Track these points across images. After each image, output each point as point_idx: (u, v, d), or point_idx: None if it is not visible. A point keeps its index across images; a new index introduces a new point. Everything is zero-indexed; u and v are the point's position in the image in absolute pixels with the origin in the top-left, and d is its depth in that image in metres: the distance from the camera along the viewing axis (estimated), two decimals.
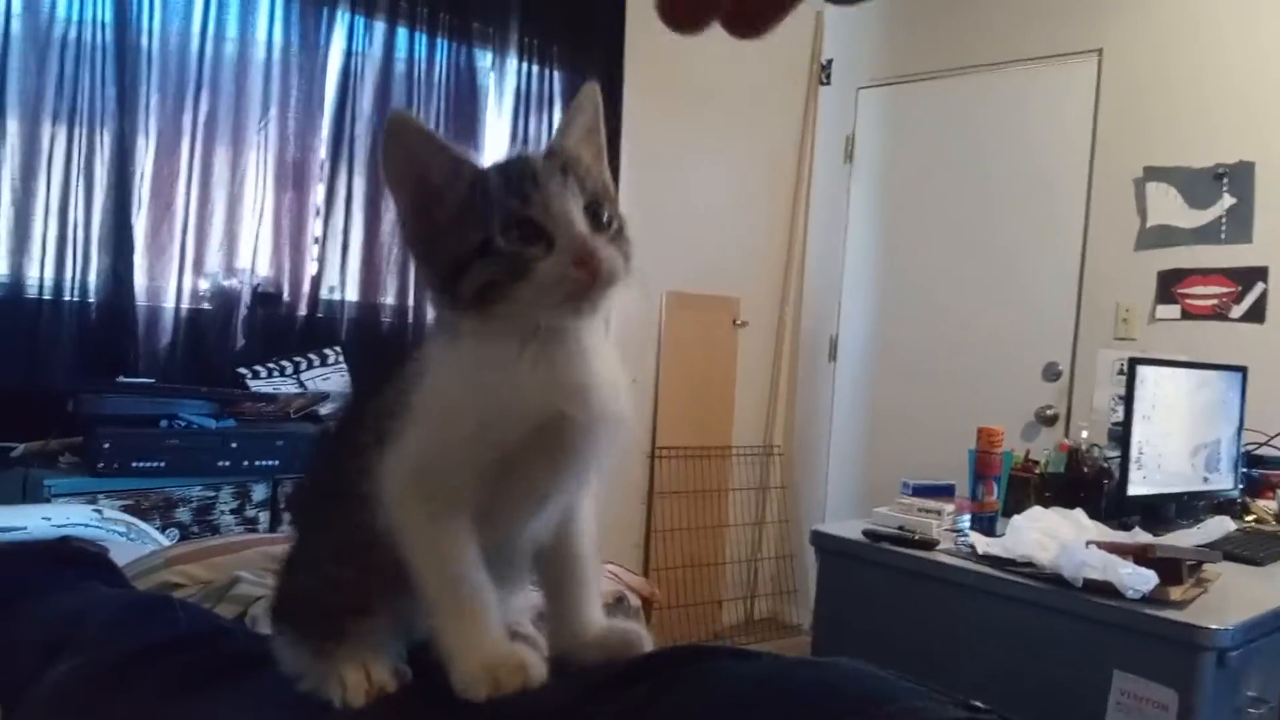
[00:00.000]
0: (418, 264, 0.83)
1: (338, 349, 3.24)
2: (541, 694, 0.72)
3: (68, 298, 2.81)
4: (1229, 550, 2.30)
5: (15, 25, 2.69)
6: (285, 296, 3.25)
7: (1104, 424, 3.16)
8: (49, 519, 1.99)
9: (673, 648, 0.78)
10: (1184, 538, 2.36)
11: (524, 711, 0.72)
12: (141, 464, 2.48)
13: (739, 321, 4.64)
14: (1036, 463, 2.85)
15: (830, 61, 4.85)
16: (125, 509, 2.34)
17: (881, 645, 2.27)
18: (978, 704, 0.64)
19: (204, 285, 3.10)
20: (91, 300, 2.85)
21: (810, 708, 0.65)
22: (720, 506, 4.61)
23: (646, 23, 4.03)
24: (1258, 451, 3.05)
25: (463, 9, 3.59)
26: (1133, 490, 2.57)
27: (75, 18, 2.76)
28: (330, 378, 3.16)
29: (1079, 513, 2.35)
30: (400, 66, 3.48)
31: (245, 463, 2.63)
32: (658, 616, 3.90)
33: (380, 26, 3.41)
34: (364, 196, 3.39)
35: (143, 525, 2.18)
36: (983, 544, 2.19)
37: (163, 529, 2.38)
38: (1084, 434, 2.83)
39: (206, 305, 3.09)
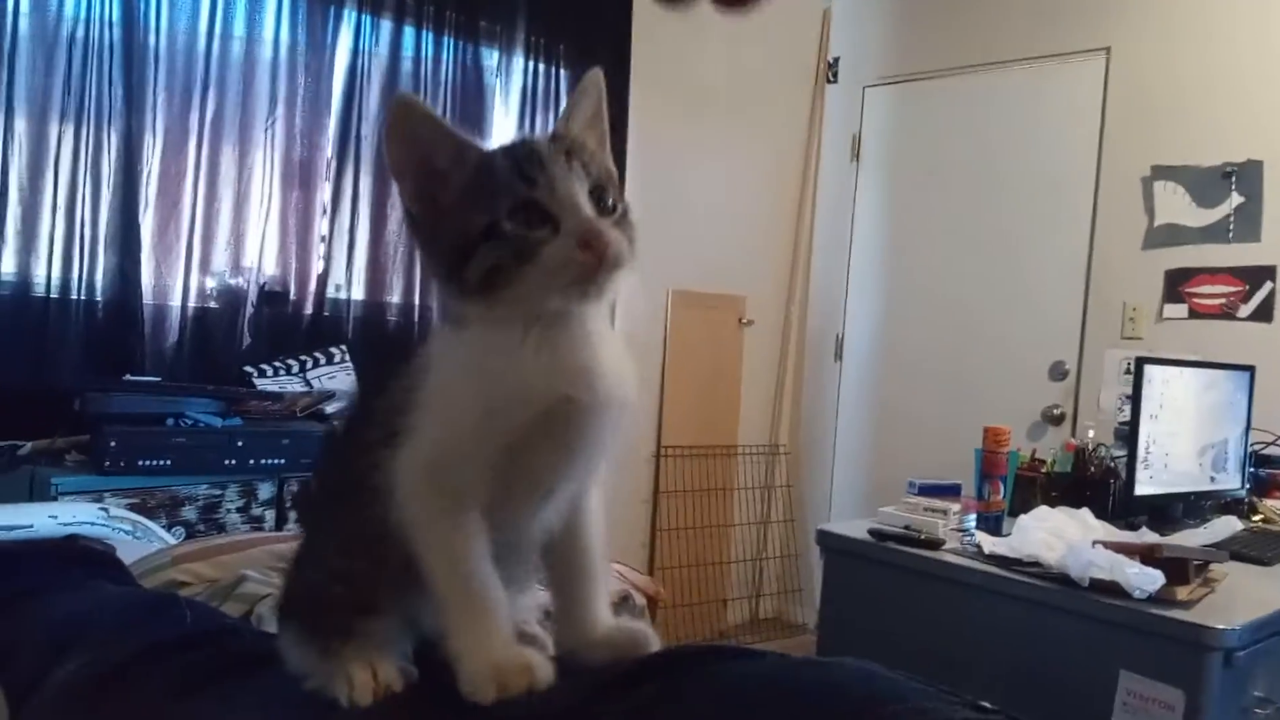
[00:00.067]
0: (422, 250, 0.83)
1: (344, 348, 3.24)
2: (549, 694, 0.73)
3: (74, 296, 2.81)
4: (1236, 550, 2.29)
5: (23, 24, 2.69)
6: (292, 295, 3.25)
7: (1111, 423, 3.16)
8: (56, 517, 1.99)
9: (679, 647, 0.78)
10: (1191, 537, 2.36)
11: (531, 711, 0.72)
12: (148, 462, 2.48)
13: (744, 320, 4.64)
14: (1043, 462, 2.84)
15: (837, 59, 4.84)
16: (131, 507, 2.34)
17: (887, 645, 2.27)
18: (985, 704, 0.64)
19: (210, 284, 3.10)
20: (98, 299, 2.86)
21: (817, 708, 0.65)
22: (725, 505, 4.60)
23: (653, 21, 4.04)
24: (1265, 451, 3.04)
25: (470, 8, 3.59)
26: (1140, 490, 2.56)
27: (83, 16, 2.76)
28: (336, 376, 3.16)
29: (1085, 512, 2.34)
30: (407, 65, 3.48)
31: (251, 461, 2.63)
32: (663, 615, 3.91)
33: (387, 25, 3.41)
34: (371, 195, 3.39)
35: (149, 524, 2.18)
36: (989, 544, 2.19)
37: (169, 527, 2.38)
38: (1091, 433, 2.82)
39: (213, 304, 3.09)
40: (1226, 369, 2.90)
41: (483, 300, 0.74)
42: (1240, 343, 3.46)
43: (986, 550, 2.16)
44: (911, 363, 4.56)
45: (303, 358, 3.14)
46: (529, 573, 0.86)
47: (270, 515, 2.70)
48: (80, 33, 2.77)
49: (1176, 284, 3.71)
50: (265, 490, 2.69)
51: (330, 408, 2.89)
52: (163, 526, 2.28)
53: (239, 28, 3.09)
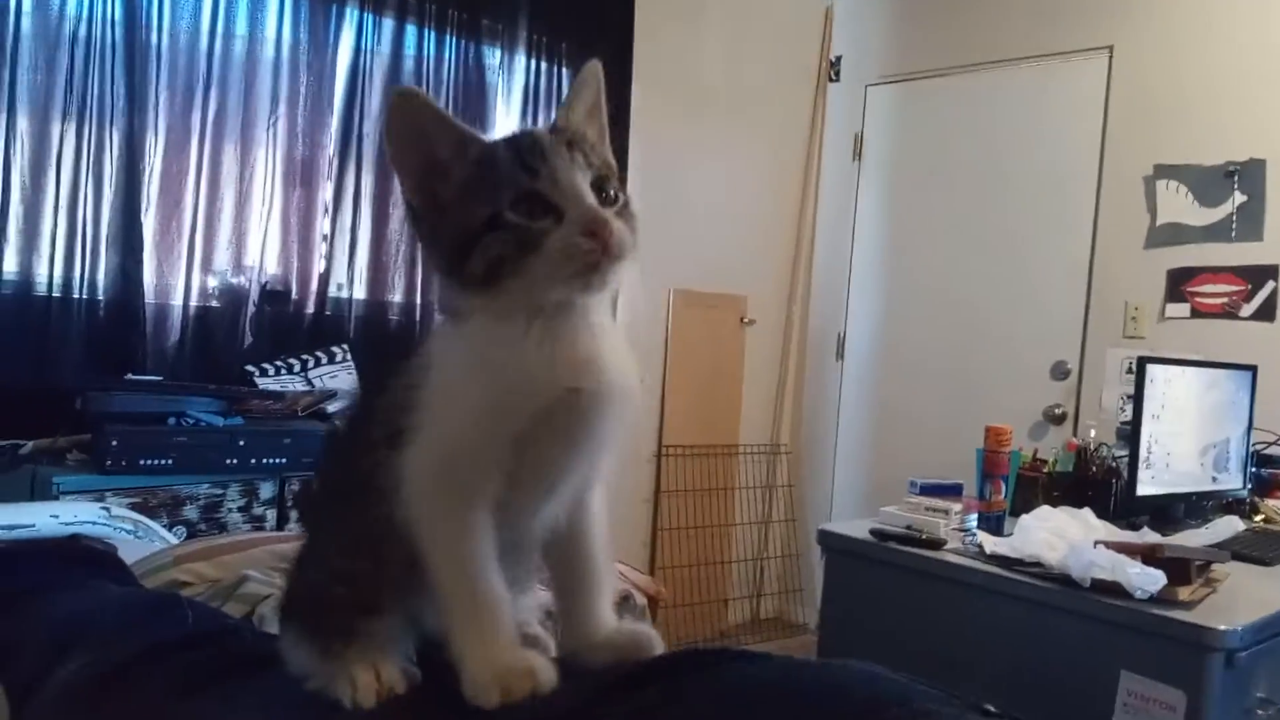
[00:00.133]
0: (424, 243, 0.83)
1: (345, 347, 3.24)
2: (552, 696, 0.73)
3: (76, 295, 2.81)
4: (1238, 550, 2.29)
5: (25, 22, 2.69)
6: (293, 294, 3.26)
7: (1112, 423, 3.16)
8: (57, 516, 1.99)
9: (683, 650, 0.78)
10: (1192, 538, 2.36)
11: (534, 715, 0.72)
12: (149, 461, 2.48)
13: (746, 320, 4.64)
14: (1044, 462, 2.84)
15: (839, 58, 4.84)
16: (133, 506, 2.34)
17: (888, 645, 2.27)
18: (990, 707, 0.64)
19: (212, 283, 3.10)
20: (100, 298, 2.86)
21: (821, 710, 0.65)
22: (726, 505, 4.60)
23: (655, 20, 4.04)
24: (1267, 451, 3.03)
25: (472, 6, 3.59)
26: (1141, 490, 2.56)
27: (85, 15, 2.77)
28: (338, 375, 3.16)
29: (1087, 512, 2.34)
30: (409, 64, 3.48)
31: (253, 460, 2.64)
32: (663, 615, 3.91)
33: (389, 24, 3.41)
34: (372, 194, 3.39)
35: (150, 523, 2.18)
36: (990, 543, 2.18)
37: (170, 526, 2.39)
38: (1092, 433, 2.82)
39: (215, 303, 3.10)
40: (1228, 369, 2.90)
41: (486, 292, 0.74)
42: (1242, 342, 3.46)
43: (988, 550, 2.16)
44: (913, 362, 4.56)
45: (304, 357, 3.14)
46: (531, 573, 0.86)
47: (272, 514, 2.70)
48: (82, 31, 2.77)
49: (1179, 283, 3.71)
50: (267, 489, 2.69)
51: (332, 407, 2.89)
52: (164, 526, 2.28)
53: (241, 26, 3.09)
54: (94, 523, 2.01)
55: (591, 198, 0.75)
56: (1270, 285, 3.50)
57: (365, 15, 3.34)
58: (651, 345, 4.20)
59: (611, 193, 0.77)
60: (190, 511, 2.55)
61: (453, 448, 0.75)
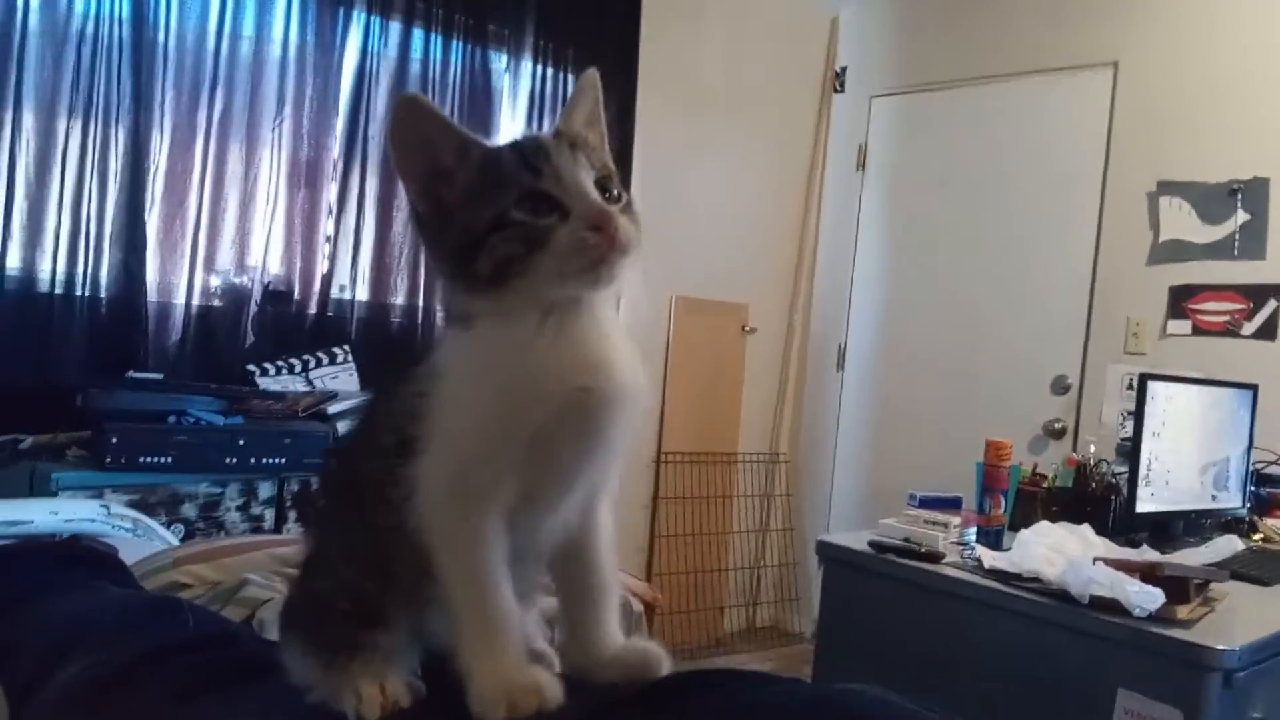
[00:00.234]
0: (429, 248, 0.83)
1: (347, 348, 3.24)
2: (558, 714, 0.72)
3: (79, 292, 2.82)
4: (1237, 569, 2.28)
5: (33, 20, 2.70)
6: (296, 295, 3.26)
7: (1112, 439, 3.15)
8: (56, 513, 2.00)
9: (690, 672, 0.77)
10: (1192, 556, 2.35)
11: None
12: (149, 459, 2.48)
13: (747, 328, 4.64)
14: (1044, 477, 2.84)
15: (844, 69, 4.85)
16: (132, 504, 2.35)
17: (885, 657, 2.27)
18: None
19: (215, 282, 3.11)
20: (103, 295, 2.86)
21: None
22: (724, 513, 4.60)
23: (661, 28, 4.04)
24: (1266, 470, 3.03)
25: (478, 11, 3.59)
26: (1141, 507, 2.56)
27: (92, 13, 2.78)
28: (339, 377, 3.16)
29: (1086, 528, 2.34)
30: (415, 67, 3.49)
31: (252, 460, 2.64)
32: (660, 622, 3.91)
33: (396, 27, 3.42)
34: (376, 196, 3.39)
35: (149, 521, 2.18)
36: (989, 558, 2.18)
37: (169, 525, 2.39)
38: (1092, 448, 2.82)
39: (217, 302, 3.10)
40: (1230, 387, 2.90)
41: (494, 293, 0.75)
42: (1244, 360, 3.45)
43: (986, 564, 2.16)
44: (913, 374, 4.55)
45: (306, 357, 3.15)
46: (537, 585, 0.86)
47: (270, 514, 2.70)
48: (89, 29, 2.78)
49: (1180, 300, 3.71)
50: (266, 489, 2.69)
51: (332, 408, 2.89)
52: (162, 524, 2.28)
53: (248, 27, 3.10)
54: (93, 520, 2.01)
55: (596, 194, 0.75)
56: (1272, 304, 3.50)
57: (372, 18, 3.35)
58: (652, 351, 4.20)
59: (614, 192, 0.78)
60: (189, 510, 2.55)
61: (466, 454, 0.74)
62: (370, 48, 3.35)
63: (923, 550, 2.27)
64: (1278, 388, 3.13)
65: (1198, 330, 3.67)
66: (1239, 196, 3.57)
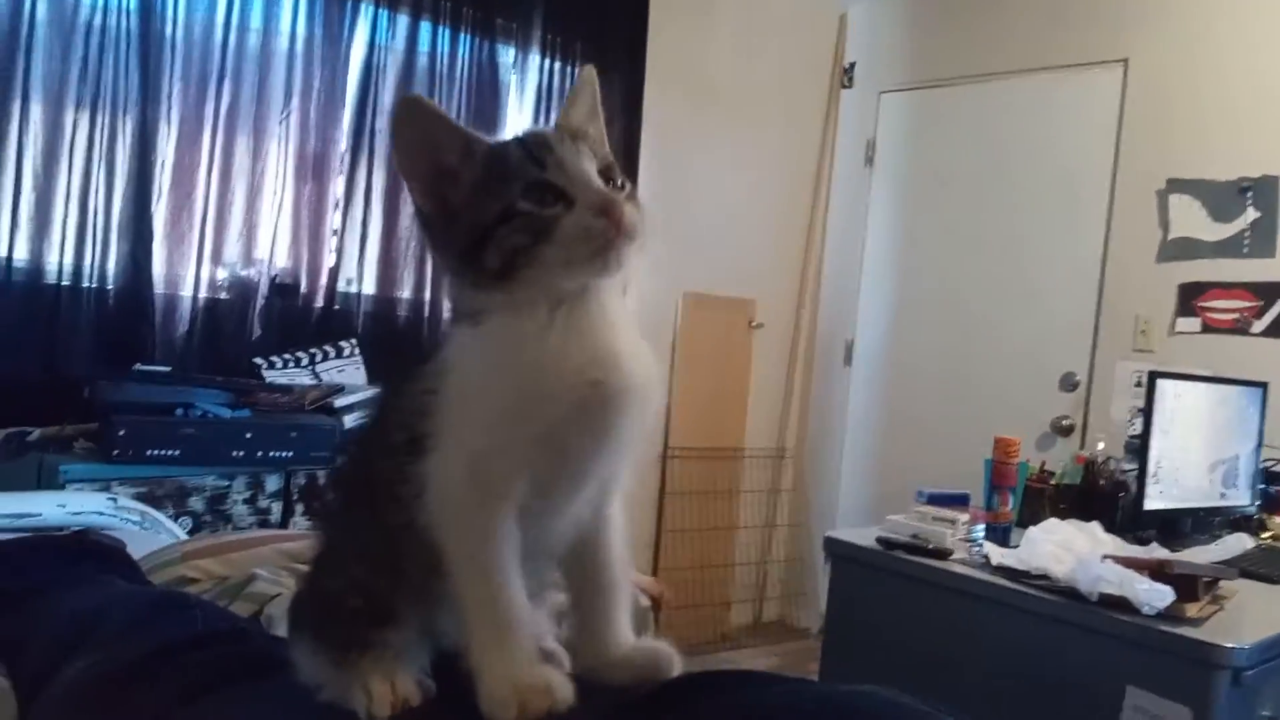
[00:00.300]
0: (435, 247, 0.83)
1: (353, 341, 3.24)
2: (568, 715, 0.72)
3: (86, 284, 2.82)
4: (1246, 567, 2.28)
5: (41, 10, 2.70)
6: (303, 288, 3.26)
7: (1121, 436, 3.14)
8: (64, 506, 2.00)
9: (700, 673, 0.76)
10: (1201, 554, 2.34)
11: None
12: (156, 452, 2.48)
13: (754, 323, 4.63)
14: (1052, 474, 2.83)
15: (853, 65, 4.83)
16: (139, 496, 2.34)
17: (892, 653, 2.26)
18: None
19: (222, 275, 3.10)
20: (110, 287, 2.86)
21: None
22: (731, 508, 4.60)
23: (668, 22, 4.03)
24: (1276, 468, 3.02)
25: (486, 5, 3.59)
26: (1149, 504, 2.55)
27: (100, 5, 2.77)
28: (346, 370, 3.16)
29: (1095, 526, 2.33)
30: (423, 61, 3.48)
31: (259, 453, 2.64)
32: (666, 617, 3.90)
33: (404, 20, 3.41)
34: (383, 190, 3.39)
35: (156, 514, 2.18)
36: (997, 555, 2.17)
37: (176, 517, 2.39)
38: (1100, 446, 2.81)
39: (224, 295, 3.10)
40: (1239, 385, 2.89)
41: (503, 286, 0.75)
42: (1253, 358, 3.44)
43: (994, 561, 2.15)
44: (921, 369, 4.55)
45: (312, 351, 3.15)
46: (548, 584, 0.85)
47: (277, 508, 2.71)
48: (97, 20, 2.77)
49: (1190, 298, 3.69)
50: (273, 482, 2.69)
51: (339, 401, 2.89)
52: (170, 516, 2.28)
53: (256, 20, 3.10)
54: (100, 513, 2.01)
55: (599, 181, 0.76)
56: None
57: (380, 11, 3.34)
58: (659, 347, 4.17)
59: (618, 182, 0.78)
60: (196, 503, 2.55)
61: (477, 450, 0.74)
62: (378, 41, 3.35)
63: (930, 547, 2.27)
64: None
65: (1207, 328, 3.66)
66: (1249, 194, 3.56)
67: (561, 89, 3.85)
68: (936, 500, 2.49)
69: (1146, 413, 2.57)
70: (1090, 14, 4.02)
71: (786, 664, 4.29)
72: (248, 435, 2.63)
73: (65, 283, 2.78)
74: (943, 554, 2.25)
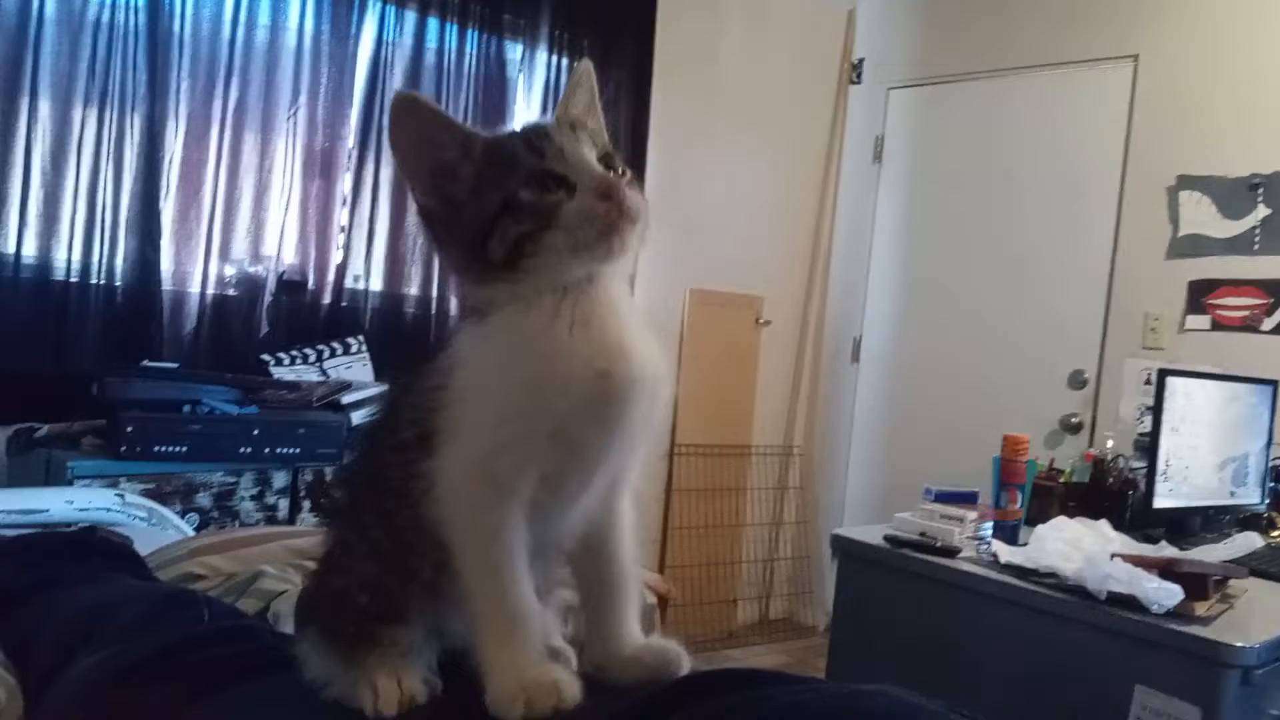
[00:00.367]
0: (439, 244, 0.83)
1: (361, 338, 3.24)
2: (576, 713, 0.72)
3: (94, 281, 2.82)
4: (1256, 566, 2.27)
5: (49, 7, 2.69)
6: (310, 285, 3.26)
7: (1130, 434, 3.13)
8: (71, 502, 2.00)
9: (707, 672, 0.76)
10: (1210, 552, 2.33)
11: None
12: (164, 448, 2.48)
13: (761, 320, 4.62)
14: (1061, 471, 2.82)
15: (861, 61, 4.82)
16: (146, 493, 2.35)
17: (899, 651, 2.26)
18: None
19: (229, 271, 3.11)
20: (118, 284, 2.87)
21: None
22: (738, 506, 4.59)
23: (676, 18, 4.03)
24: None
25: (494, 1, 3.58)
26: (1158, 502, 2.55)
27: (108, 1, 2.77)
28: (353, 367, 3.16)
29: (1104, 523, 2.33)
30: (430, 57, 3.48)
31: (267, 450, 2.64)
32: (673, 614, 3.90)
33: (411, 16, 3.41)
34: (391, 186, 3.39)
35: (164, 510, 2.19)
36: (1005, 553, 2.17)
37: (183, 514, 2.39)
38: (1109, 443, 2.80)
39: (232, 291, 3.10)
40: (1249, 382, 2.88)
41: (508, 277, 0.75)
42: (1263, 356, 3.42)
43: (1002, 559, 2.15)
44: (929, 367, 4.54)
45: (320, 347, 3.15)
46: (556, 581, 0.85)
47: (284, 504, 2.71)
48: (105, 17, 2.77)
49: (1199, 295, 3.68)
50: (280, 479, 2.70)
51: (347, 398, 2.89)
52: (177, 513, 2.29)
53: (264, 16, 3.10)
54: (108, 509, 2.02)
55: (600, 167, 0.76)
56: None
57: (387, 7, 3.34)
58: (666, 344, 4.16)
59: (618, 169, 0.79)
60: (203, 499, 2.56)
61: (486, 445, 0.74)
62: (385, 37, 3.35)
63: (938, 545, 2.26)
64: None
65: (1217, 325, 3.64)
66: (1260, 191, 3.54)
67: None
68: (944, 498, 2.48)
69: (1156, 410, 2.56)
70: (1100, 10, 4.01)
71: (793, 662, 4.29)
72: (255, 432, 2.63)
73: (73, 279, 2.79)
74: (951, 552, 2.24)
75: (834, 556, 2.51)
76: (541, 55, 3.77)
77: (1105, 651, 1.92)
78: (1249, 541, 2.44)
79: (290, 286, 3.21)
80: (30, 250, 2.73)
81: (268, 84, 3.11)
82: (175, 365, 2.83)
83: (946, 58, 4.55)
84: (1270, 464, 2.91)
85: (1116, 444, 2.85)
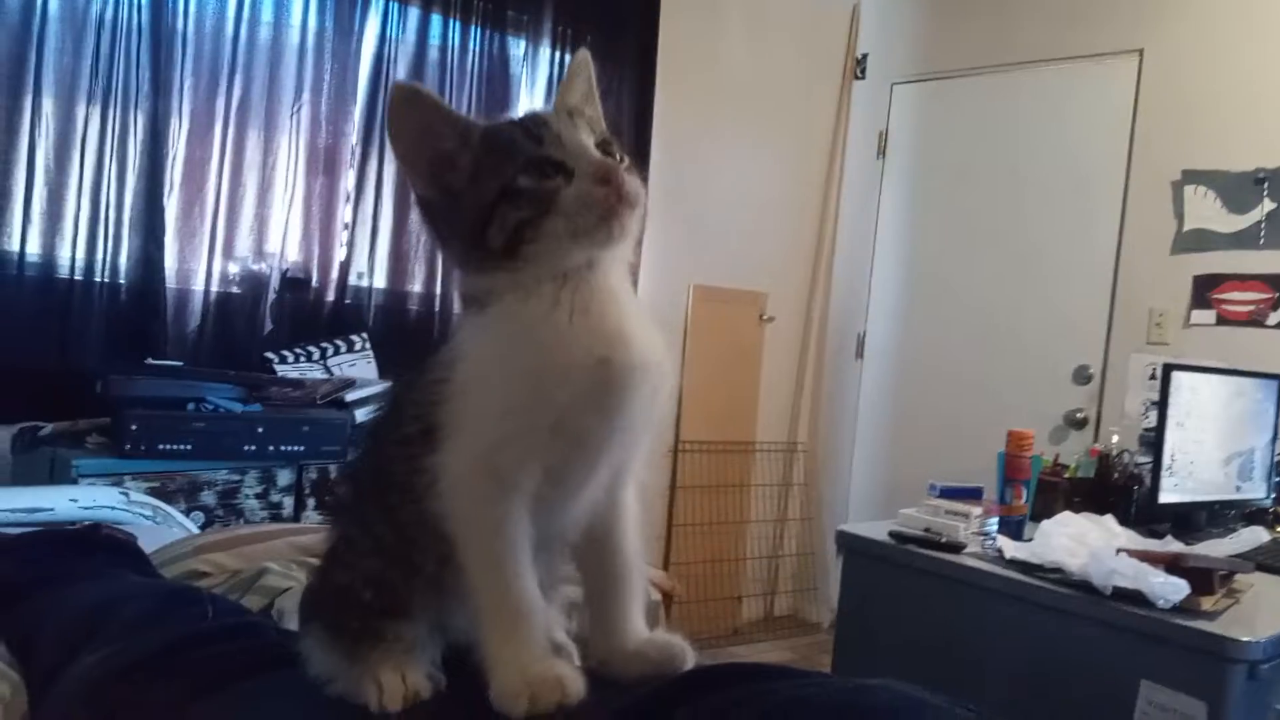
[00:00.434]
0: (438, 234, 0.83)
1: (365, 335, 3.24)
2: (580, 709, 0.71)
3: (98, 278, 2.82)
4: (1261, 561, 2.26)
5: (53, 4, 2.70)
6: (314, 282, 3.26)
7: (1135, 429, 3.13)
8: (76, 500, 2.00)
9: (714, 667, 0.76)
10: (1216, 547, 2.33)
11: None
12: (168, 446, 2.49)
13: (765, 317, 4.62)
14: (1065, 467, 2.82)
15: (865, 55, 4.81)
16: (151, 491, 2.35)
17: (904, 647, 2.26)
18: None
19: (233, 269, 3.11)
20: (122, 282, 2.87)
21: None
22: (742, 502, 4.59)
23: (680, 14, 4.02)
24: None
25: None
26: (1164, 497, 2.54)
27: None
28: (357, 364, 3.16)
29: (1109, 519, 2.32)
30: (434, 53, 3.47)
31: (271, 447, 2.64)
32: (677, 611, 3.90)
33: (415, 12, 3.41)
34: (394, 183, 3.38)
35: (168, 508, 2.19)
36: (1010, 548, 2.16)
37: (188, 512, 2.39)
38: (1115, 439, 2.79)
39: (235, 289, 3.10)
40: (1254, 377, 2.87)
41: (508, 265, 0.75)
42: (1269, 350, 3.41)
43: (1008, 555, 2.14)
44: (933, 362, 4.53)
45: (324, 345, 3.15)
46: (559, 576, 0.85)
47: (289, 502, 2.71)
48: (109, 15, 2.77)
49: (1205, 290, 3.67)
50: (284, 477, 2.69)
51: (350, 395, 2.89)
52: (182, 511, 2.29)
53: (267, 13, 3.10)
54: (112, 507, 2.02)
55: (598, 153, 0.76)
56: None
57: (390, 3, 3.34)
58: (670, 340, 4.17)
59: (616, 155, 0.78)
60: (208, 497, 2.56)
61: (490, 437, 0.74)
62: (389, 34, 3.34)
63: (943, 540, 2.26)
64: None
65: (1222, 320, 3.64)
66: (1265, 185, 3.53)
67: None
68: (949, 493, 2.48)
69: (1161, 405, 2.55)
70: (1105, 4, 4.00)
71: (798, 658, 4.29)
72: (259, 429, 2.63)
73: (77, 277, 2.79)
74: (956, 547, 2.24)
75: (839, 552, 2.51)
76: (544, 51, 3.76)
77: (1111, 647, 1.92)
78: (1255, 536, 2.43)
79: (294, 284, 3.21)
80: (34, 248, 2.73)
81: (271, 81, 3.11)
82: (179, 363, 2.84)
83: (950, 53, 4.54)
84: (1276, 458, 2.90)
85: (1122, 439, 2.84)
